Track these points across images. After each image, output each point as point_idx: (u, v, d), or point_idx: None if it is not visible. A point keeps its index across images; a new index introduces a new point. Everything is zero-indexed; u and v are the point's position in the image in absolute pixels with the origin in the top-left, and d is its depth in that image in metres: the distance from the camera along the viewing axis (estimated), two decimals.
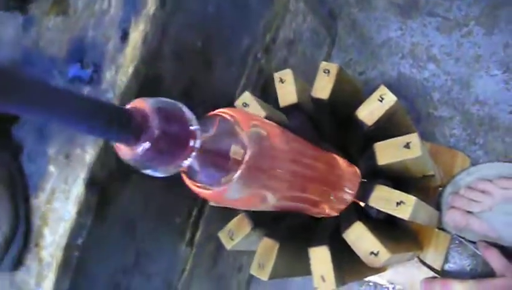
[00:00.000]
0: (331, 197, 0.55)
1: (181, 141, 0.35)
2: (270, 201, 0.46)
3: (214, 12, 0.58)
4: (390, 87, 0.81)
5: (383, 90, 0.52)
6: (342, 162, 0.57)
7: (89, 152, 0.50)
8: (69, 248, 0.50)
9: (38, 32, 0.61)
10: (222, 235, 0.58)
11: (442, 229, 0.71)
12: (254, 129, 0.41)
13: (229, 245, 0.56)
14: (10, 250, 0.51)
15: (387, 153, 0.50)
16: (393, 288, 0.75)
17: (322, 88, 0.54)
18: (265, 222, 0.57)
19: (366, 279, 0.77)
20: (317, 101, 0.55)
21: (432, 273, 0.71)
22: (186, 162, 0.36)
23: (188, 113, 0.36)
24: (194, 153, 0.36)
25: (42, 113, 0.30)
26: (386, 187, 0.51)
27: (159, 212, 0.61)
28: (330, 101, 0.55)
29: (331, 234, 0.53)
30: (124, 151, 0.34)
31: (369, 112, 0.52)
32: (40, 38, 0.60)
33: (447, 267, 0.73)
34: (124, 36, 0.51)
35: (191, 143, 0.35)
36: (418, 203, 0.48)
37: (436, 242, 0.71)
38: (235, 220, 0.57)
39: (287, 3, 0.70)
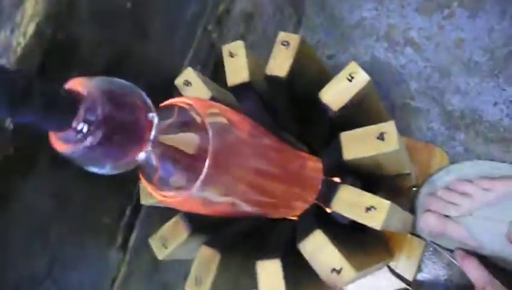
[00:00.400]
0: (291, 199, 0.45)
1: (135, 131, 0.29)
2: (237, 205, 0.39)
3: None
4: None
5: (353, 67, 0.42)
6: (302, 154, 0.47)
7: None
8: None
9: None
10: (153, 243, 0.47)
11: (416, 234, 0.62)
12: (214, 118, 0.34)
13: (161, 254, 0.46)
14: None
15: (356, 145, 0.41)
16: None
17: (280, 64, 0.44)
18: (206, 226, 0.46)
19: None
20: (273, 80, 0.45)
21: (402, 285, 0.62)
22: (141, 157, 0.30)
23: (144, 99, 0.30)
24: (149, 146, 0.30)
25: None
26: (354, 188, 0.41)
27: (79, 210, 0.49)
28: (289, 80, 0.45)
29: (285, 243, 0.43)
30: (60, 143, 0.28)
31: (336, 93, 0.42)
32: None
33: (419, 277, 0.64)
34: None
35: (147, 134, 0.30)
36: (392, 209, 0.39)
37: (409, 249, 0.63)
38: (169, 224, 0.46)
39: None
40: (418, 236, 0.63)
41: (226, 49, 0.48)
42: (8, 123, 0.39)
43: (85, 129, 0.27)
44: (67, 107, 0.27)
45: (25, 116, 0.25)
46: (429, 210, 0.59)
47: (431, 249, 0.64)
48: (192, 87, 0.48)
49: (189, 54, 0.56)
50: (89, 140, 0.27)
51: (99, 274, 0.55)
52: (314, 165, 0.47)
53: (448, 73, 0.67)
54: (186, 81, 0.48)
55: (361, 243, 0.48)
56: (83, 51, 0.43)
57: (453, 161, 0.63)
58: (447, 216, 0.59)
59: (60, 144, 0.28)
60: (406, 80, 0.69)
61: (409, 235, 0.63)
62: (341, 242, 0.41)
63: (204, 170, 0.32)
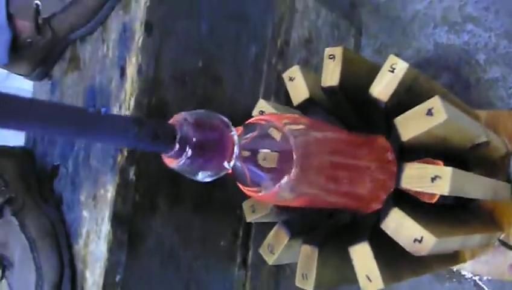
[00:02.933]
0: (372, 186, 0.50)
1: (219, 146, 0.39)
2: (322, 197, 0.46)
3: (208, 29, 0.57)
4: (429, 61, 0.75)
5: (392, 59, 0.47)
6: (373, 141, 0.52)
7: (110, 190, 0.51)
8: (108, 286, 0.50)
9: (61, 92, 0.65)
10: (263, 251, 0.55)
11: None
12: (290, 126, 0.42)
13: (270, 260, 0.53)
14: None
15: (409, 126, 0.45)
16: (479, 279, 0.66)
17: (331, 75, 0.51)
18: (303, 229, 0.53)
19: (448, 275, 0.69)
20: (329, 90, 0.51)
21: None
22: (229, 166, 0.40)
23: (224, 120, 0.40)
24: (234, 156, 0.39)
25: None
26: (417, 163, 0.45)
27: (199, 238, 0.59)
28: (343, 87, 0.51)
29: (372, 228, 0.48)
30: (169, 161, 0.38)
31: (383, 86, 0.47)
32: (63, 96, 0.64)
33: None
34: (122, 73, 0.52)
35: (230, 147, 0.39)
36: (456, 174, 0.42)
37: None
38: (272, 233, 0.54)
39: (291, 4, 0.68)
40: None
41: (285, 75, 0.56)
42: (131, 176, 0.51)
43: (183, 148, 0.37)
44: (169, 134, 0.37)
45: (143, 145, 0.36)
46: None
47: None
48: (266, 113, 0.57)
49: (261, 89, 0.65)
50: (187, 156, 0.37)
51: None
52: (386, 152, 0.51)
53: None
54: (261, 110, 0.57)
55: (450, 216, 0.50)
56: (172, 109, 0.54)
57: None
58: None
59: (169, 161, 0.39)
60: (474, 55, 0.70)
61: None
62: (421, 216, 0.45)
63: (293, 169, 0.40)
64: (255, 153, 0.42)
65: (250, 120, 0.44)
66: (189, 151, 0.37)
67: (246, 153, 0.41)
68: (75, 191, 0.57)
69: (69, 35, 0.60)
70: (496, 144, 0.58)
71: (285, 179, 0.41)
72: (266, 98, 0.66)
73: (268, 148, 0.42)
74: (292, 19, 0.69)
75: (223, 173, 0.41)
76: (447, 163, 0.55)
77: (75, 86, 0.62)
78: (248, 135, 0.42)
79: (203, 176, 0.40)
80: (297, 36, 0.70)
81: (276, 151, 0.41)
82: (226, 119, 0.41)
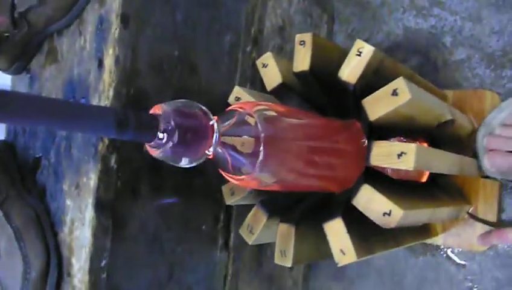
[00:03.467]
0: (343, 167, 0.52)
1: (200, 133, 0.41)
2: (297, 181, 0.49)
3: (183, 19, 0.59)
4: (399, 45, 0.78)
5: (359, 43, 0.49)
6: (343, 124, 0.54)
7: (92, 178, 0.52)
8: (94, 271, 0.52)
9: (40, 85, 0.65)
10: (242, 232, 0.57)
11: (488, 177, 0.65)
12: (260, 112, 0.44)
13: (250, 240, 0.56)
14: (48, 283, 0.55)
15: (376, 106, 0.47)
16: (451, 251, 0.70)
17: (301, 60, 0.53)
18: (280, 209, 0.55)
19: (422, 249, 0.72)
20: (301, 75, 0.53)
21: (488, 228, 0.65)
22: (209, 152, 0.42)
23: (203, 109, 0.42)
24: (214, 143, 0.42)
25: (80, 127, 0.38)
26: (384, 141, 0.47)
27: (182, 222, 0.61)
28: (314, 72, 0.53)
29: (345, 205, 0.50)
30: (152, 150, 0.40)
31: (351, 69, 0.50)
32: (42, 89, 0.65)
33: (504, 217, 0.66)
34: (100, 64, 0.53)
35: (210, 134, 0.41)
36: (421, 150, 0.45)
37: (484, 192, 0.65)
38: (250, 213, 0.56)
39: None
40: (490, 178, 0.65)
41: (259, 62, 0.58)
42: (113, 164, 0.53)
43: (165, 137, 0.39)
44: (151, 125, 0.39)
45: (126, 136, 0.38)
46: (491, 150, 0.62)
47: (510, 187, 0.66)
48: (242, 99, 0.59)
49: (237, 76, 0.67)
50: (169, 144, 0.40)
51: (211, 273, 0.66)
52: (358, 134, 0.54)
53: (479, 18, 0.70)
54: (236, 97, 0.59)
55: (419, 192, 0.53)
56: (151, 98, 0.56)
57: (504, 99, 0.65)
58: (510, 152, 0.61)
59: (152, 150, 0.41)
60: (440, 38, 0.72)
61: (481, 179, 0.66)
62: (390, 191, 0.48)
63: (260, 153, 0.42)
64: (233, 139, 0.44)
65: (228, 108, 0.46)
66: (170, 140, 0.39)
67: (226, 139, 0.43)
68: (58, 181, 0.58)
69: (46, 28, 0.61)
70: (461, 122, 0.61)
71: (255, 163, 0.43)
72: (242, 85, 0.68)
73: (244, 135, 0.44)
74: (265, 7, 0.70)
75: (203, 159, 0.43)
76: (415, 140, 0.59)
77: (53, 79, 0.62)
78: (226, 122, 0.44)
79: (184, 163, 0.42)
80: (271, 24, 0.72)
81: (248, 136, 0.43)
82: (204, 108, 0.43)
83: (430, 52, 0.73)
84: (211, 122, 0.42)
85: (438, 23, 0.73)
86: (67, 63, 0.60)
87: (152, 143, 0.40)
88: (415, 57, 0.75)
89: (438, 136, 0.60)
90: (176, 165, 0.42)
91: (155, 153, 0.41)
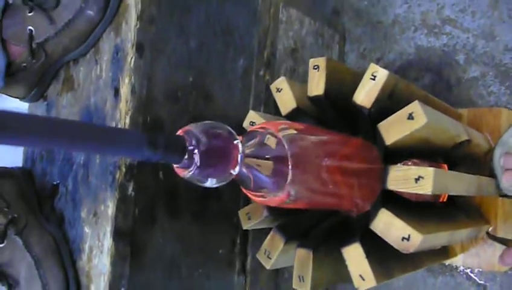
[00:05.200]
0: (363, 188, 0.52)
1: (226, 154, 0.41)
2: (317, 199, 0.48)
3: (197, 46, 0.60)
4: (412, 64, 0.78)
5: (373, 67, 0.49)
6: (361, 143, 0.54)
7: (110, 206, 0.53)
8: None
9: (57, 112, 0.67)
10: (260, 256, 0.57)
11: (506, 195, 0.64)
12: (284, 132, 0.44)
13: (268, 264, 0.56)
14: None
15: (392, 130, 0.47)
16: (471, 272, 0.69)
17: (316, 85, 0.53)
18: (297, 233, 0.55)
19: (441, 269, 0.71)
20: (316, 100, 0.54)
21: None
22: (234, 172, 0.42)
23: (228, 130, 0.42)
24: (239, 163, 0.41)
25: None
26: (401, 166, 0.47)
27: (199, 247, 0.62)
28: (328, 96, 0.53)
29: (363, 229, 0.50)
30: (180, 171, 0.40)
31: (365, 94, 0.50)
32: (59, 116, 0.66)
33: None
34: (116, 93, 0.54)
35: (235, 154, 0.41)
36: (438, 174, 0.45)
37: (503, 212, 0.65)
38: (268, 238, 0.56)
39: (275, 15, 0.71)
40: (510, 197, 0.64)
41: (273, 87, 0.58)
42: (130, 192, 0.53)
43: (192, 158, 0.39)
44: (179, 146, 0.39)
45: (156, 157, 0.38)
46: (508, 169, 0.61)
47: None
48: (257, 124, 0.59)
49: (251, 100, 0.68)
50: (196, 164, 0.39)
51: None
52: (373, 155, 0.53)
53: (492, 36, 0.69)
54: (251, 122, 0.59)
55: (437, 213, 0.53)
56: (167, 125, 0.56)
57: None
58: None
59: (180, 171, 0.41)
60: (453, 55, 0.72)
61: (499, 199, 0.65)
62: (408, 214, 0.47)
63: (289, 173, 0.42)
64: (257, 159, 0.44)
65: (251, 128, 0.46)
66: (198, 161, 0.39)
67: (249, 160, 0.43)
68: (76, 208, 0.59)
69: (63, 58, 0.63)
70: (477, 141, 0.60)
71: (283, 182, 0.43)
72: (256, 108, 0.68)
73: (269, 154, 0.44)
74: (277, 30, 0.71)
75: (229, 179, 0.43)
76: (432, 163, 0.58)
77: (70, 106, 0.64)
78: (250, 142, 0.44)
79: (211, 183, 0.42)
80: (283, 46, 0.73)
81: (273, 156, 0.43)
82: (229, 128, 0.43)
83: (443, 70, 0.73)
84: (235, 142, 0.42)
85: (450, 41, 0.73)
86: (83, 91, 0.61)
87: (180, 164, 0.40)
88: (428, 76, 0.75)
89: (454, 156, 0.60)
90: (202, 185, 0.42)
91: (183, 173, 0.41)
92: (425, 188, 0.44)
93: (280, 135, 0.42)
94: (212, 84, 0.62)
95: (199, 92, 0.60)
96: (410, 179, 0.45)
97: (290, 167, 0.42)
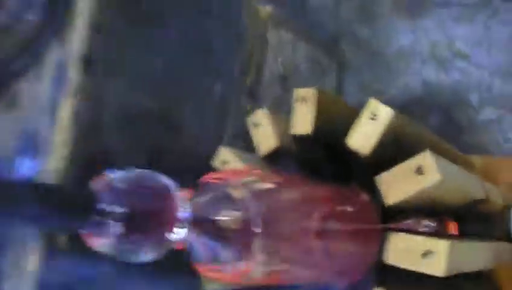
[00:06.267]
0: (353, 256, 0.42)
1: (158, 216, 0.31)
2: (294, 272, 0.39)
3: (165, 65, 0.50)
4: (417, 100, 0.68)
5: (373, 104, 0.39)
6: (356, 201, 0.44)
7: (32, 261, 0.42)
8: None
9: None
10: None
11: None
12: (249, 185, 0.35)
13: None
14: None
15: (394, 187, 0.37)
16: None
17: (302, 121, 0.43)
18: None
19: None
20: (300, 139, 0.43)
21: None
22: (174, 240, 0.32)
23: (164, 182, 0.32)
24: (181, 228, 0.32)
25: None
26: (403, 234, 0.37)
27: None
28: (317, 136, 0.43)
29: None
30: (92, 240, 0.30)
31: (363, 137, 0.40)
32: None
33: None
34: (53, 118, 0.44)
35: (173, 216, 0.31)
36: (454, 249, 0.34)
37: None
38: None
39: (262, 37, 0.61)
40: None
41: (250, 121, 0.48)
42: (62, 243, 0.42)
43: (107, 221, 0.29)
44: (85, 206, 0.28)
45: (49, 223, 0.28)
46: None
47: None
48: (231, 164, 0.49)
49: (228, 131, 0.58)
50: (114, 232, 0.29)
51: None
52: (369, 212, 0.43)
53: (509, 74, 0.60)
54: (223, 160, 0.49)
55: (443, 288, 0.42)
56: (118, 160, 0.46)
57: None
58: None
59: (91, 240, 0.30)
60: (465, 94, 0.63)
61: None
62: None
63: (250, 240, 0.32)
64: (210, 220, 0.34)
65: (205, 179, 0.36)
66: (116, 226, 0.29)
67: (199, 223, 0.33)
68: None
69: (5, 69, 0.53)
70: (494, 198, 0.50)
71: (240, 253, 0.33)
72: (234, 144, 0.58)
73: (226, 215, 0.34)
74: (263, 53, 0.62)
75: (166, 249, 0.33)
76: (438, 220, 0.48)
77: (10, 129, 0.53)
78: (201, 199, 0.34)
79: (141, 257, 0.32)
80: (271, 73, 0.63)
81: (235, 217, 0.34)
82: (167, 180, 0.33)
83: (453, 110, 0.64)
84: (175, 202, 0.32)
85: (462, 78, 0.64)
86: (24, 112, 0.51)
87: (89, 230, 0.29)
88: (436, 115, 0.65)
89: (464, 214, 0.50)
90: (132, 261, 0.32)
91: (96, 243, 0.30)
92: (436, 268, 0.34)
93: (243, 189, 0.32)
94: (181, 112, 0.52)
95: (163, 121, 0.50)
96: (416, 252, 0.35)
97: (250, 232, 0.31)
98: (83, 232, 0.30)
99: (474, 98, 0.62)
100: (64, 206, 0.28)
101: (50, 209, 0.27)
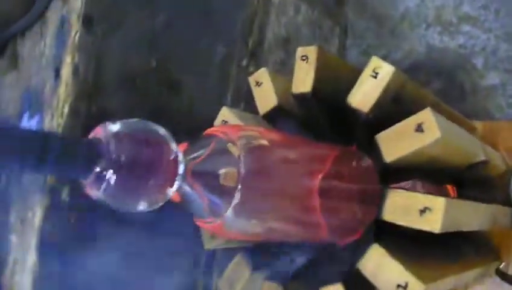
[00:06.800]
0: (349, 215, 0.42)
1: (157, 168, 0.31)
2: (279, 229, 0.39)
3: (165, 23, 0.49)
4: (421, 65, 0.67)
5: (375, 62, 0.39)
6: (354, 160, 0.44)
7: (37, 214, 0.43)
8: None
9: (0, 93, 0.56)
10: (222, 286, 0.47)
11: None
12: (245, 140, 0.35)
13: None
14: None
15: (394, 145, 0.37)
16: None
17: (303, 79, 0.43)
18: (268, 261, 0.45)
19: None
20: (301, 98, 0.43)
21: None
22: (171, 192, 0.32)
23: (163, 134, 0.32)
24: (178, 180, 0.32)
25: None
26: (402, 191, 0.37)
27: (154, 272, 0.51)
28: (317, 94, 0.43)
29: (348, 266, 0.40)
30: (91, 189, 0.30)
31: (363, 94, 0.39)
32: (1, 98, 0.56)
33: None
34: (57, 75, 0.44)
35: (171, 167, 0.31)
36: (451, 207, 0.34)
37: None
38: (231, 265, 0.46)
39: None
40: None
41: (251, 80, 0.48)
42: (64, 198, 0.43)
43: (105, 172, 0.29)
44: (86, 156, 0.29)
45: (51, 170, 0.28)
46: None
47: None
48: (230, 123, 0.49)
49: (229, 95, 0.57)
50: (112, 181, 0.29)
51: None
52: (367, 171, 0.43)
53: None
54: (223, 120, 0.49)
55: (441, 249, 0.43)
56: (118, 117, 0.46)
57: None
58: None
59: (91, 190, 0.30)
60: (470, 59, 0.62)
61: None
62: (407, 252, 0.37)
63: (236, 194, 0.32)
64: (206, 173, 0.34)
65: (205, 132, 0.37)
66: (114, 175, 0.30)
67: (197, 174, 0.34)
68: (5, 211, 0.48)
69: (6, 28, 0.52)
70: (494, 161, 0.50)
71: (231, 204, 0.33)
72: (235, 105, 0.58)
73: (222, 168, 0.34)
74: (267, 15, 0.61)
75: (163, 201, 0.33)
76: (438, 185, 0.48)
77: (13, 87, 0.53)
78: (200, 152, 0.35)
79: (138, 206, 0.32)
80: (273, 35, 0.62)
81: (231, 171, 0.34)
82: (165, 132, 0.33)
83: (457, 74, 0.63)
84: (173, 152, 0.32)
85: (467, 42, 0.63)
86: (26, 70, 0.51)
87: (88, 180, 0.30)
88: (439, 80, 0.64)
89: (464, 177, 0.50)
90: (127, 210, 0.32)
91: (93, 192, 0.30)
92: (433, 224, 0.34)
93: (239, 143, 0.32)
94: (181, 71, 0.51)
95: (163, 81, 0.50)
96: (413, 209, 0.35)
97: (238, 186, 0.32)
98: (84, 181, 0.31)
99: (479, 62, 0.61)
100: (68, 155, 0.28)
101: (55, 157, 0.27)
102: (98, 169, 0.29)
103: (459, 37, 0.64)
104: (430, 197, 0.35)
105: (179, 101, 0.51)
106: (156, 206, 0.33)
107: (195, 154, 0.35)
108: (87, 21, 0.43)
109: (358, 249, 0.39)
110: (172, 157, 0.32)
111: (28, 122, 0.47)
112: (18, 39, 0.54)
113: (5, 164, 0.28)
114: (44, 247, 0.42)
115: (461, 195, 0.49)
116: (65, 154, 0.28)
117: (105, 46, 0.44)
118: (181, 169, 0.32)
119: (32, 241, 0.42)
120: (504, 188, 0.55)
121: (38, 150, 0.27)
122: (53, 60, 0.45)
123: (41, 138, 0.28)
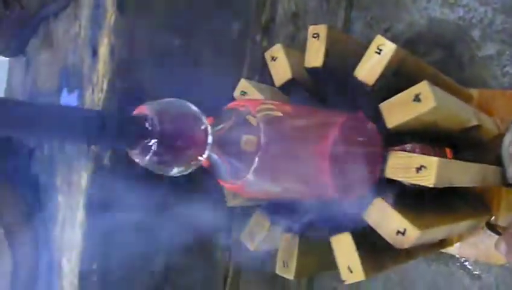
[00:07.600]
0: (356, 175, 0.48)
1: (190, 138, 0.37)
2: (294, 189, 0.45)
3: (186, 4, 0.54)
4: (422, 37, 0.72)
5: (379, 40, 0.44)
6: (361, 127, 0.49)
7: (83, 177, 0.49)
8: (84, 273, 0.49)
9: (35, 70, 0.62)
10: (244, 238, 0.53)
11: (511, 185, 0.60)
12: (263, 113, 0.40)
13: (252, 246, 0.52)
14: (37, 283, 0.52)
15: (395, 112, 0.42)
16: (466, 261, 0.65)
17: (315, 55, 0.48)
18: (284, 215, 0.51)
19: (435, 256, 0.68)
20: (313, 72, 0.49)
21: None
22: (202, 158, 0.38)
23: (195, 111, 0.38)
24: (207, 148, 0.37)
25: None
26: (402, 152, 0.43)
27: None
28: (327, 68, 0.48)
29: (356, 218, 0.46)
30: (137, 157, 0.36)
31: (368, 69, 0.45)
32: (37, 74, 0.61)
33: None
34: (94, 53, 0.49)
35: (202, 139, 0.37)
36: (443, 165, 0.40)
37: (507, 202, 0.60)
38: (253, 219, 0.52)
39: None
40: None
41: (267, 55, 0.53)
42: (106, 162, 0.49)
43: (150, 143, 0.35)
44: (133, 129, 0.35)
45: (105, 142, 0.34)
46: None
47: None
48: (249, 94, 0.54)
49: (245, 68, 0.62)
50: (155, 150, 0.35)
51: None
52: (372, 137, 0.49)
53: None
54: (242, 91, 0.54)
55: (437, 203, 0.49)
56: (149, 91, 0.51)
57: None
58: None
59: (137, 157, 0.36)
60: (468, 30, 0.66)
61: (505, 188, 0.61)
62: (406, 205, 0.43)
63: (256, 160, 0.38)
64: (230, 143, 0.40)
65: (228, 106, 0.43)
66: (156, 146, 0.35)
67: (221, 144, 0.39)
68: (51, 175, 0.55)
69: (41, 10, 0.57)
70: (487, 126, 0.56)
71: (251, 168, 0.39)
72: (250, 77, 0.63)
73: (245, 135, 0.40)
74: None
75: (196, 167, 0.39)
76: (435, 147, 0.54)
77: (49, 65, 0.59)
78: (224, 124, 0.41)
79: (175, 171, 0.38)
80: (283, 10, 0.67)
81: (252, 139, 0.40)
82: (196, 109, 0.38)
83: (456, 46, 0.67)
84: (203, 126, 0.38)
85: (466, 15, 0.67)
86: (62, 49, 0.56)
87: (136, 150, 0.35)
88: (439, 51, 0.69)
89: (459, 140, 0.55)
90: (166, 174, 0.38)
91: (139, 159, 0.37)
92: (428, 180, 0.40)
93: (258, 115, 0.37)
94: (202, 48, 0.56)
95: (186, 57, 0.55)
96: (411, 167, 0.41)
97: (258, 152, 0.37)
98: (131, 151, 0.37)
99: (475, 34, 0.66)
100: (122, 131, 0.34)
101: (112, 133, 0.33)
102: (144, 141, 0.35)
103: (458, 10, 0.68)
104: (426, 157, 0.40)
105: (201, 74, 0.56)
106: (188, 171, 0.39)
107: (220, 126, 0.40)
108: (121, 5, 0.48)
109: (364, 203, 0.46)
110: (203, 129, 0.38)
111: (68, 96, 0.53)
112: (51, 21, 0.59)
113: (70, 140, 0.34)
114: (90, 206, 0.48)
115: (457, 156, 0.54)
116: (120, 130, 0.34)
117: (136, 27, 0.49)
118: (210, 139, 0.38)
119: (80, 201, 0.48)
120: (496, 150, 0.60)
121: (97, 128, 0.33)
122: (89, 40, 0.50)
123: (100, 117, 0.33)
